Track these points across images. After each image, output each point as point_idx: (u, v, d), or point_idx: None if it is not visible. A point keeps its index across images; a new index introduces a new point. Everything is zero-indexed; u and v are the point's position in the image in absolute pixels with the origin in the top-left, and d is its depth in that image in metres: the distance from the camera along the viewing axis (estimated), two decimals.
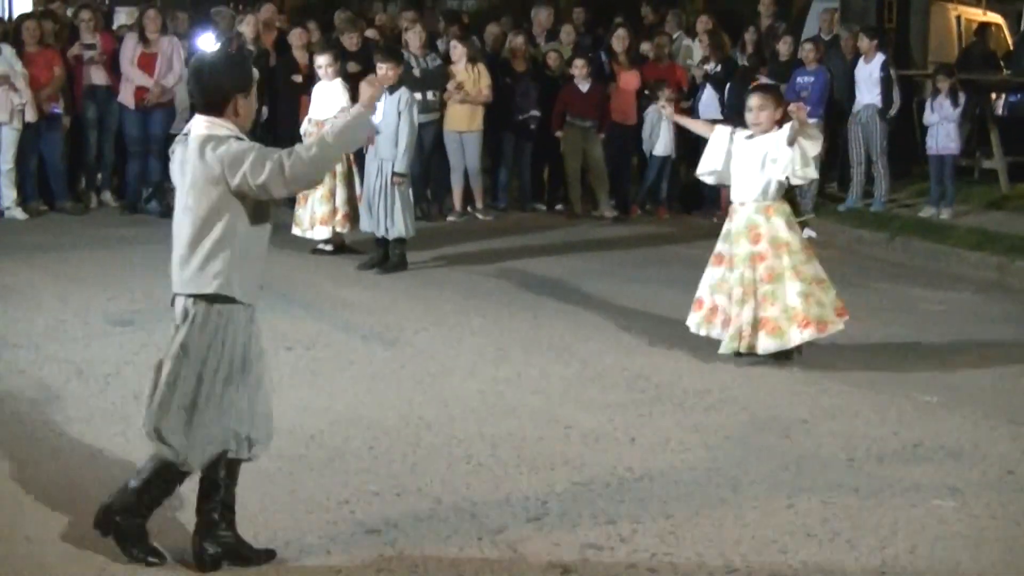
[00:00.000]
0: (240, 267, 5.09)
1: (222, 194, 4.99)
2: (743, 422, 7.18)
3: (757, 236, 8.28)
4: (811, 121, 14.24)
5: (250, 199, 5.03)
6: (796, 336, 8.19)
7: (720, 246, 8.49)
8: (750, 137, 8.42)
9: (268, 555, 5.25)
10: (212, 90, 5.06)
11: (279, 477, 6.09)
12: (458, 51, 14.16)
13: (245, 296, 5.12)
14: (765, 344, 8.17)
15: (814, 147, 8.16)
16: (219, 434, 5.12)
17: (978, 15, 21.28)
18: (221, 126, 5.06)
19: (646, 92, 14.80)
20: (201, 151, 5.00)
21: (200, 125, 5.08)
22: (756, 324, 8.16)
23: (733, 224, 8.40)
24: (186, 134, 5.15)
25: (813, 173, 8.50)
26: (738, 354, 8.26)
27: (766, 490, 6.08)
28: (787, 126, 8.13)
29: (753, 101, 8.36)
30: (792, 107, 8.14)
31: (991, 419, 7.35)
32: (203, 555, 5.14)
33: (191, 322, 5.11)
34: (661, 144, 14.87)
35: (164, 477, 5.20)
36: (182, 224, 5.11)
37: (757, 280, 8.23)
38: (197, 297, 5.10)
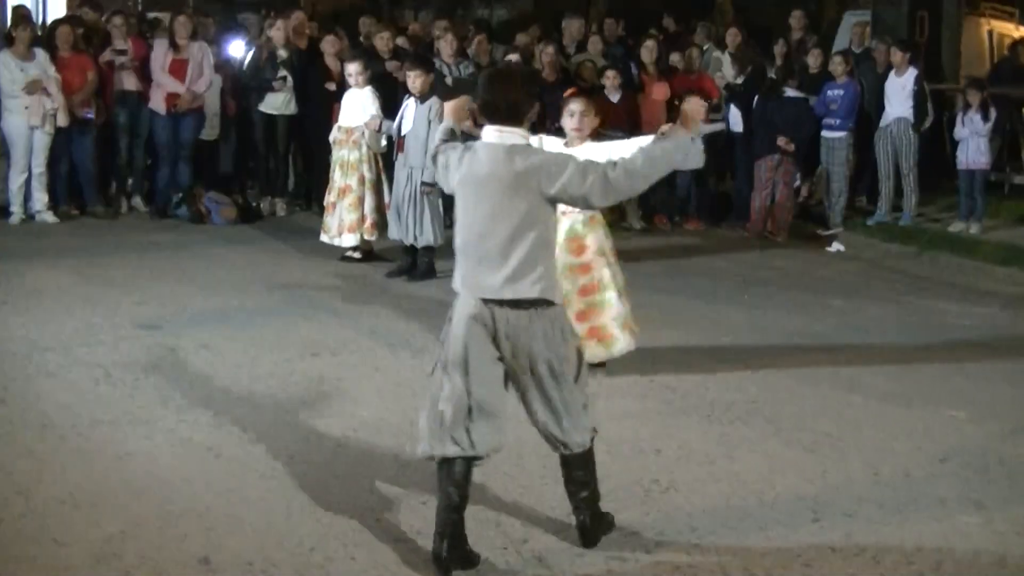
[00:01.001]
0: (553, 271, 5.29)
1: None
2: (769, 434, 7.16)
3: (581, 247, 8.03)
4: (840, 134, 14.49)
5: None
6: (625, 344, 8.07)
7: None
8: (567, 145, 7.70)
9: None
10: (515, 100, 5.21)
11: (305, 483, 6.11)
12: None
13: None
14: (594, 352, 7.85)
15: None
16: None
17: (1011, 30, 21.18)
18: (521, 136, 5.21)
19: (676, 102, 14.81)
20: (511, 159, 5.11)
21: (495, 134, 5.20)
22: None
23: None
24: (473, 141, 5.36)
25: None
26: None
27: (791, 503, 6.07)
28: (607, 143, 7.75)
29: (575, 106, 7.79)
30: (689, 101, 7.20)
31: (1017, 435, 7.32)
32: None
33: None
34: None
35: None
36: (494, 231, 5.15)
37: (576, 292, 7.95)
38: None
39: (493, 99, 5.24)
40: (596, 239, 8.08)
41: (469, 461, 5.26)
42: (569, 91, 8.27)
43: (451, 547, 5.18)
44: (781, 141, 14.18)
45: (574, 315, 7.60)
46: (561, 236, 7.71)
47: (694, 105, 5.46)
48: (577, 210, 7.57)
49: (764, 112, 14.44)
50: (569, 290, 7.83)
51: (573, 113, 7.74)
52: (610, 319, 8.02)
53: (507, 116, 5.20)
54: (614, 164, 5.12)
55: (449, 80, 13.50)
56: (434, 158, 5.59)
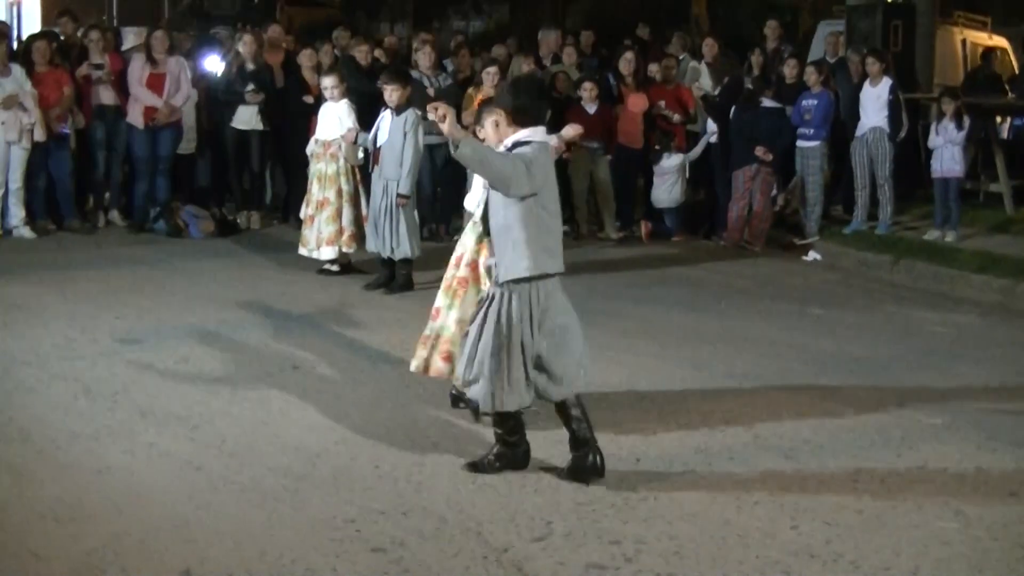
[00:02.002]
0: None
1: None
2: (747, 443, 7.19)
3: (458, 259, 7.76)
4: (814, 144, 14.57)
5: None
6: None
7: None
8: None
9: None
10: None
11: (285, 495, 6.13)
12: (491, 74, 14.00)
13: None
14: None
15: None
16: None
17: (984, 39, 21.33)
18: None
19: (656, 148, 14.88)
20: None
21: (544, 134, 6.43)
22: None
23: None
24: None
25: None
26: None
27: (770, 511, 6.10)
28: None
29: (484, 115, 6.92)
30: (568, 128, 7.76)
31: (994, 441, 7.36)
32: None
33: None
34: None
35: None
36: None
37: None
38: None
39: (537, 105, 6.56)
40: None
41: None
42: (478, 100, 7.67)
43: None
44: (760, 151, 14.23)
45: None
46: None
47: (571, 131, 7.21)
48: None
49: (741, 122, 14.48)
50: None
51: (482, 124, 6.89)
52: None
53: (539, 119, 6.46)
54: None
55: (431, 91, 13.53)
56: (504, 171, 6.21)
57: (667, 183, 14.91)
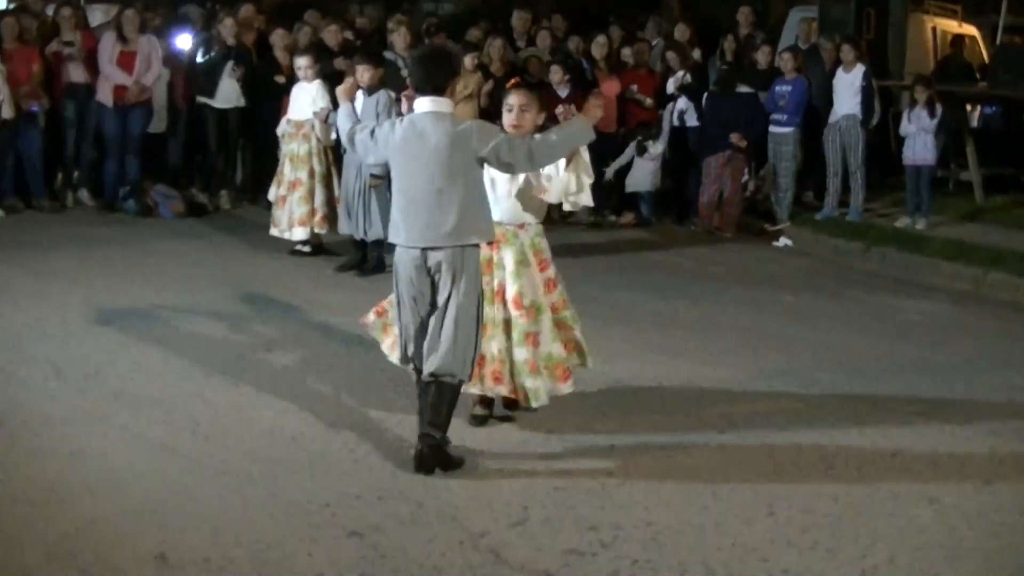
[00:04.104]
0: None
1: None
2: (722, 429, 7.19)
3: (544, 262, 7.06)
4: (788, 130, 14.60)
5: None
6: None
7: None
8: None
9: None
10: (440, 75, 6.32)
11: (260, 480, 6.10)
12: (467, 60, 13.95)
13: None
14: (566, 389, 7.01)
15: (588, 177, 6.87)
16: None
17: (954, 27, 21.35)
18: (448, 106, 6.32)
19: (640, 139, 14.83)
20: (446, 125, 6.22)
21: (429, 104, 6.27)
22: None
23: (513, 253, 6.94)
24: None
25: (588, 200, 7.02)
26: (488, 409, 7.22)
27: (747, 498, 6.11)
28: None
29: (514, 99, 6.78)
30: (560, 109, 7.08)
31: (968, 429, 7.39)
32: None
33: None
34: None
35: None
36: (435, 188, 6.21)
37: (549, 308, 7.02)
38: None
39: (425, 75, 6.32)
40: (548, 251, 7.10)
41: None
42: (511, 81, 7.34)
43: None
44: (735, 137, 14.23)
45: (557, 326, 6.98)
46: (528, 253, 6.92)
47: (596, 109, 6.54)
48: (533, 223, 6.96)
49: (715, 108, 14.48)
50: (543, 304, 6.95)
51: (511, 108, 6.78)
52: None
53: (436, 89, 6.27)
54: (536, 139, 6.33)
55: (405, 72, 13.47)
56: (351, 139, 6.62)
57: (651, 168, 14.86)
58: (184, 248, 12.22)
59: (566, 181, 6.80)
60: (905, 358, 9.16)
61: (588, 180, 6.87)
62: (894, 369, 8.81)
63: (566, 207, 7.19)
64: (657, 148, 14.86)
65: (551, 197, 6.92)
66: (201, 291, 10.27)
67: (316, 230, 11.83)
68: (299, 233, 11.80)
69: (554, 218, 14.70)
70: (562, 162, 6.75)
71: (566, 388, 6.94)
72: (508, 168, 6.37)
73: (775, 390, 8.09)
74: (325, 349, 8.65)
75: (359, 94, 11.03)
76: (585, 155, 6.81)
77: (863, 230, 14.03)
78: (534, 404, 6.84)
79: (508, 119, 6.77)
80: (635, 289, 11.22)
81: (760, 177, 15.71)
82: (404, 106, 7.28)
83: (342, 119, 6.81)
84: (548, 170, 6.77)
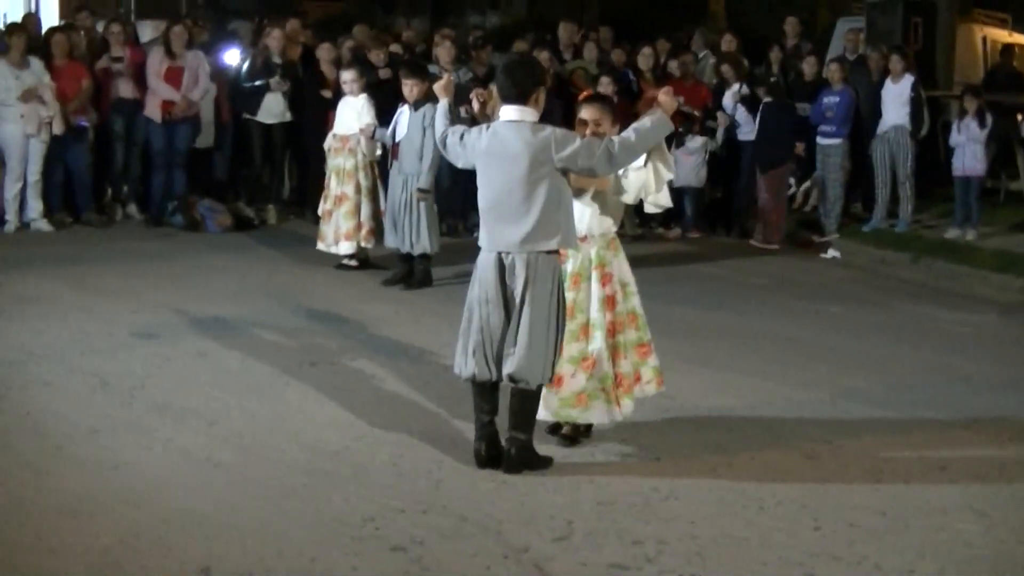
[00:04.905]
0: None
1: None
2: (768, 442, 7.14)
3: (607, 276, 6.86)
4: (835, 141, 14.52)
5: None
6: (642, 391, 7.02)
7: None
8: None
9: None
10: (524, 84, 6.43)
11: (304, 493, 6.09)
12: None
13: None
14: (627, 406, 6.90)
15: (668, 171, 6.72)
16: None
17: (1004, 36, 21.21)
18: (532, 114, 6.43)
19: (679, 130, 14.77)
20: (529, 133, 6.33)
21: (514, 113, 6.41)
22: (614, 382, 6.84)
23: (575, 265, 6.84)
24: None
25: (667, 200, 6.93)
26: (565, 431, 7.04)
27: (792, 512, 6.06)
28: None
29: (587, 113, 6.75)
30: (661, 93, 6.67)
31: (1016, 442, 7.31)
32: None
33: None
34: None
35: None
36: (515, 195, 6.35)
37: (606, 328, 6.82)
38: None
39: (509, 84, 6.42)
40: (619, 266, 6.93)
41: None
42: (583, 94, 7.24)
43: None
44: (799, 148, 14.28)
45: (609, 352, 6.78)
46: (590, 267, 6.80)
47: (666, 97, 6.57)
48: (598, 235, 6.83)
49: (780, 120, 14.34)
50: (598, 323, 6.78)
51: (585, 122, 6.72)
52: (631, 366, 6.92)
53: (519, 98, 6.38)
54: (613, 141, 6.34)
55: None
56: (443, 141, 6.74)
57: (692, 163, 14.71)
58: (230, 262, 12.27)
59: (644, 177, 6.72)
60: (953, 370, 9.07)
61: (668, 175, 6.75)
62: (941, 381, 8.73)
63: (647, 208, 7.01)
64: (696, 142, 14.71)
65: (629, 198, 6.85)
66: (246, 304, 10.31)
67: (362, 244, 11.84)
68: (345, 247, 11.81)
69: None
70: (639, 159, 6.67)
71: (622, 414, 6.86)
72: (590, 172, 6.40)
73: (820, 402, 8.03)
74: (370, 362, 8.64)
75: (405, 108, 11.08)
76: (664, 149, 6.71)
77: (911, 241, 13.95)
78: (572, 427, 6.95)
79: (581, 134, 6.61)
80: (679, 301, 11.14)
81: (807, 188, 15.63)
82: (475, 106, 7.28)
83: (439, 120, 6.85)
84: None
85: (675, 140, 14.79)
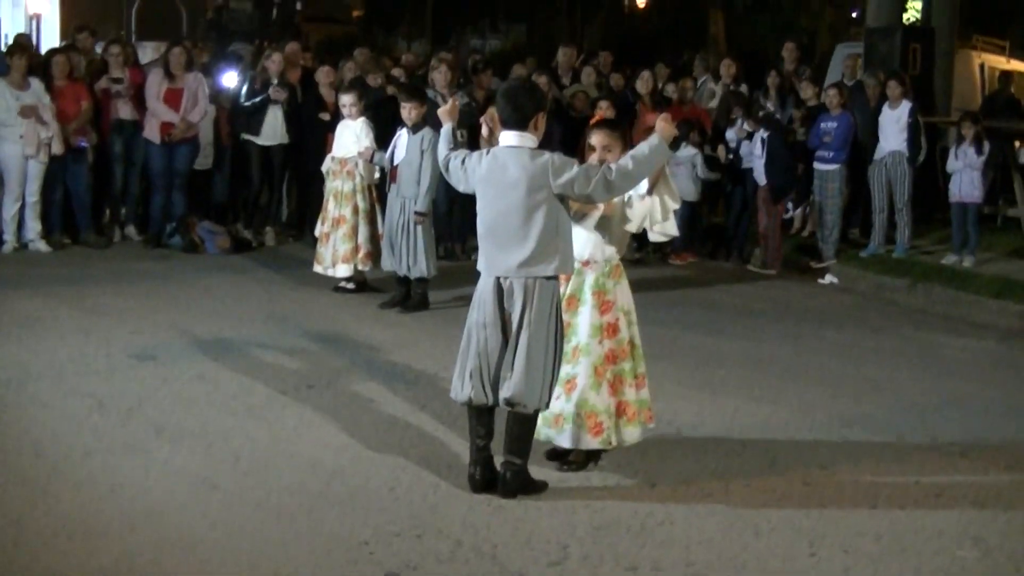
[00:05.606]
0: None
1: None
2: (764, 467, 7.14)
3: (607, 304, 6.82)
4: (834, 167, 14.53)
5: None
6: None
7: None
8: None
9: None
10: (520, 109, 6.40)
11: (299, 514, 6.09)
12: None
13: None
14: (631, 435, 6.88)
15: (675, 201, 6.75)
16: None
17: (1002, 63, 21.29)
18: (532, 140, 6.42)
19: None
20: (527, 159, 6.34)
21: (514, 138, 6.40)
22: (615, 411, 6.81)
23: (570, 288, 6.83)
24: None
25: (673, 229, 6.92)
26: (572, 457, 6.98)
27: (788, 537, 6.05)
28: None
29: (596, 139, 6.80)
30: (660, 119, 6.57)
31: (1014, 469, 7.31)
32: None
33: None
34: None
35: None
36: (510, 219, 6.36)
37: (605, 358, 6.77)
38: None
39: (509, 109, 6.40)
40: (622, 293, 6.90)
41: None
42: (595, 119, 7.31)
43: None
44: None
45: (607, 386, 6.75)
46: (587, 292, 6.81)
47: (664, 123, 6.49)
48: (601, 261, 6.82)
49: (774, 151, 14.35)
50: (598, 355, 6.74)
51: (593, 148, 6.79)
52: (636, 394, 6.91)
53: (519, 123, 6.36)
54: (611, 168, 6.31)
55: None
56: (446, 165, 6.80)
57: (681, 173, 14.61)
58: (228, 284, 12.27)
59: (649, 207, 6.71)
60: (950, 396, 9.07)
61: (674, 205, 6.76)
62: (939, 407, 8.73)
63: (652, 237, 7.02)
64: (687, 151, 14.68)
65: (633, 226, 6.82)
66: (244, 326, 10.31)
67: (360, 267, 11.84)
68: (343, 270, 11.82)
69: None
70: (643, 186, 6.65)
71: (595, 443, 6.76)
72: (587, 199, 6.42)
73: (817, 427, 8.03)
74: (367, 385, 8.64)
75: (404, 132, 11.10)
76: (670, 179, 6.75)
77: (909, 267, 13.95)
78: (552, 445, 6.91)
79: (590, 161, 6.68)
80: (677, 325, 11.16)
81: (805, 214, 15.65)
82: (484, 131, 7.33)
83: (442, 144, 6.90)
84: (629, 194, 6.68)
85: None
